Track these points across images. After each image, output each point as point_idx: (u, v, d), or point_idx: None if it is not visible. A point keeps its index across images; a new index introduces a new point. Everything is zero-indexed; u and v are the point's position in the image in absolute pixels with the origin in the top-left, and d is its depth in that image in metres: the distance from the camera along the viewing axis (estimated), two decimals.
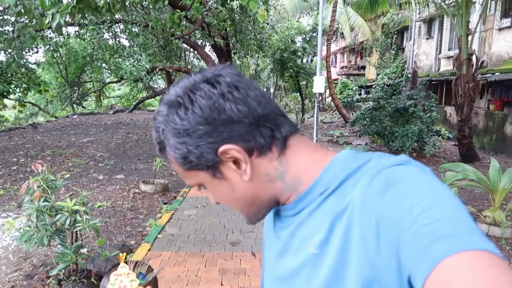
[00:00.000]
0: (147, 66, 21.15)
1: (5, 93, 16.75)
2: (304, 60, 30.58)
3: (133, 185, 6.94)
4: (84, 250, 3.70)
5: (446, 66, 15.60)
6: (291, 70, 19.00)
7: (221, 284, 3.40)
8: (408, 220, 0.46)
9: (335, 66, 32.59)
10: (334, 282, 0.55)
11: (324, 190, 0.60)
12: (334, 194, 0.59)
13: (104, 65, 25.66)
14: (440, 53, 16.60)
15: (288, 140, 0.64)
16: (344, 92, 22.36)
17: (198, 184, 0.66)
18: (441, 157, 9.97)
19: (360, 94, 22.62)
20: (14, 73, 15.09)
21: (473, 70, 8.67)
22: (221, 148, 0.59)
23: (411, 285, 0.45)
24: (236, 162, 0.61)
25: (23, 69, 15.24)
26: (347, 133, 14.27)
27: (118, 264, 0.92)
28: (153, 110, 32.43)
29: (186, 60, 20.54)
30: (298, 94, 22.09)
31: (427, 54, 17.90)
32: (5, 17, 8.98)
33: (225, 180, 0.63)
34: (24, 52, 12.11)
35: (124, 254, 0.93)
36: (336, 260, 0.55)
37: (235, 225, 4.94)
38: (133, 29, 16.41)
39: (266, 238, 0.79)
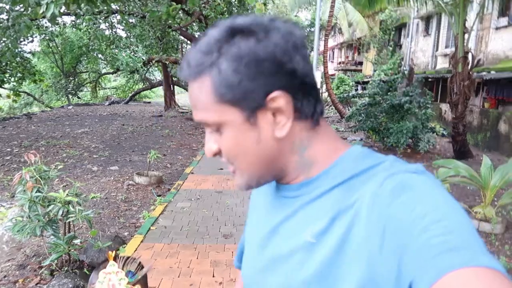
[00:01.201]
0: (144, 58, 21.05)
1: None
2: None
3: (127, 177, 6.94)
4: (77, 241, 3.72)
5: (443, 64, 15.64)
6: None
7: (213, 276, 3.43)
8: (418, 227, 0.46)
9: (332, 62, 32.56)
10: (325, 274, 0.55)
11: (332, 181, 0.60)
12: (340, 187, 0.58)
13: (100, 55, 25.53)
14: (437, 50, 16.63)
15: (320, 119, 0.63)
16: (340, 88, 22.36)
17: (216, 123, 0.59)
18: (435, 154, 10.03)
19: (356, 90, 22.64)
20: (8, 62, 14.96)
21: (469, 68, 8.70)
22: (274, 93, 0.56)
23: None
24: (274, 115, 0.58)
25: (18, 58, 15.13)
26: (343, 128, 14.32)
27: (106, 260, 0.91)
28: (149, 102, 32.36)
29: (183, 52, 20.45)
30: None
31: (424, 51, 17.92)
32: (0, 5, 8.89)
33: (255, 128, 0.58)
34: (19, 41, 12.00)
35: (114, 251, 0.93)
36: (331, 253, 0.54)
37: (228, 217, 4.97)
38: (130, 20, 16.30)
39: (253, 213, 0.78)
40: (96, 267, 0.93)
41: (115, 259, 0.91)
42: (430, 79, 16.00)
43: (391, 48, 21.43)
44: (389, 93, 10.33)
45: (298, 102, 0.58)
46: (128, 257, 0.93)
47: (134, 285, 0.90)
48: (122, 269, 0.91)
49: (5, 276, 3.43)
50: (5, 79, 16.63)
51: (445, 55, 15.03)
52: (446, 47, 15.65)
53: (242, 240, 0.89)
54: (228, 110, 0.58)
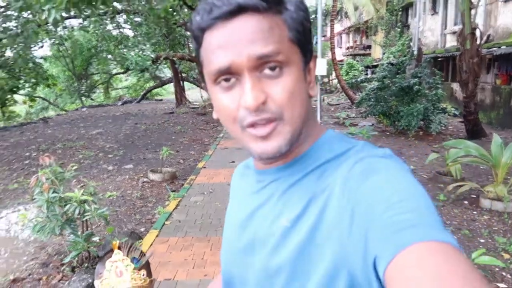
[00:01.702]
0: (152, 56, 21.17)
1: (14, 89, 17.00)
2: None
3: (141, 174, 7.10)
4: (95, 238, 3.87)
5: (452, 42, 15.34)
6: None
7: None
8: (382, 207, 0.48)
9: (340, 47, 32.22)
10: (300, 257, 0.57)
11: (307, 166, 0.61)
12: (314, 173, 0.60)
13: (109, 56, 25.78)
14: (445, 28, 16.32)
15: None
16: (350, 73, 22.17)
17: (283, 60, 0.55)
18: (447, 135, 9.93)
19: (366, 74, 22.41)
20: (21, 69, 15.30)
21: (477, 44, 8.55)
22: (314, 53, 0.63)
23: (376, 269, 0.47)
24: (308, 73, 0.62)
25: (30, 64, 15.43)
26: (354, 115, 14.24)
27: (110, 251, 0.96)
28: (161, 100, 32.62)
29: (190, 48, 20.52)
30: None
31: (432, 31, 17.61)
32: (8, 12, 9.11)
33: (304, 80, 0.60)
34: (29, 47, 12.25)
35: (117, 241, 0.97)
36: (305, 237, 0.56)
37: None
38: (136, 19, 16.43)
39: (234, 197, 0.80)
40: (101, 258, 0.98)
41: (119, 248, 0.96)
42: (440, 59, 15.74)
43: (398, 29, 21.11)
44: (397, 76, 10.24)
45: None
46: (131, 246, 1.00)
47: (139, 270, 0.95)
48: (127, 256, 0.95)
49: (29, 274, 3.62)
50: (19, 86, 17.03)
51: (454, 33, 14.73)
52: (455, 24, 15.35)
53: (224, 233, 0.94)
54: (296, 51, 0.58)
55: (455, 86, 13.83)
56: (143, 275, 0.95)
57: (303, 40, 0.58)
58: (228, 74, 0.55)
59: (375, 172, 0.53)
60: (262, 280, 0.63)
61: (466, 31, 8.42)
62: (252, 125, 0.56)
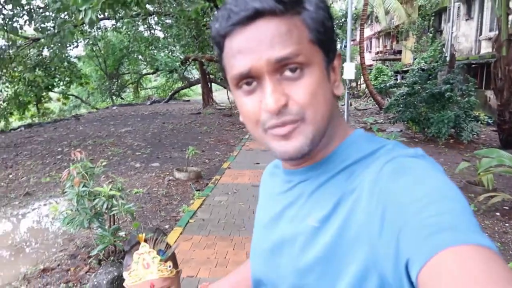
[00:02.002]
0: (181, 57, 21.52)
1: (49, 87, 17.69)
2: (338, 47, 30.01)
3: (167, 173, 7.23)
4: (121, 233, 3.96)
5: (487, 48, 14.84)
6: None
7: None
8: (415, 207, 0.47)
9: (370, 52, 31.74)
10: (328, 258, 0.56)
11: (335, 166, 0.61)
12: (343, 173, 0.59)
13: (140, 57, 26.40)
14: (480, 34, 15.80)
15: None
16: (379, 78, 21.80)
17: (303, 61, 0.55)
18: (479, 144, 9.61)
19: (396, 80, 22.00)
20: (57, 67, 15.90)
21: None
22: (338, 51, 0.61)
23: (408, 271, 0.45)
24: (333, 72, 0.61)
25: (65, 63, 16.02)
26: (382, 120, 14.00)
27: (136, 244, 0.99)
28: (188, 100, 33.10)
29: None
30: None
31: (466, 36, 17.09)
32: (46, 13, 9.51)
33: (328, 80, 0.60)
34: (65, 47, 12.73)
35: (143, 234, 1.00)
36: (334, 237, 0.56)
37: None
38: (167, 21, 16.78)
39: (262, 197, 0.80)
40: (128, 251, 1.01)
41: (145, 240, 0.98)
42: (473, 65, 15.26)
43: (431, 35, 20.61)
44: (429, 82, 10.00)
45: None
46: (156, 238, 1.00)
47: (166, 261, 0.98)
48: (153, 248, 0.97)
49: (58, 265, 3.74)
50: (54, 83, 17.70)
51: (490, 39, 14.25)
52: (491, 30, 14.83)
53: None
54: (317, 52, 0.57)
55: (489, 93, 13.37)
56: (169, 266, 0.99)
57: (324, 39, 0.58)
58: (249, 78, 0.56)
59: (407, 172, 0.52)
60: (291, 280, 0.63)
61: (503, 37, 8.13)
62: (274, 127, 0.57)
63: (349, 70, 7.98)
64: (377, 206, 0.51)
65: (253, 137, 0.63)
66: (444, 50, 18.22)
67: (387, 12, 22.05)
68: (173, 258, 1.02)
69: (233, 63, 0.57)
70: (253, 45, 0.54)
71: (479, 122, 9.91)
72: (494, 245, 0.44)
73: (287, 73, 0.55)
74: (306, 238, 0.60)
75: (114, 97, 30.31)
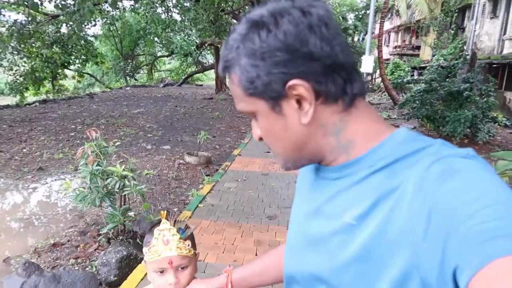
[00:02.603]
0: (197, 41, 21.45)
1: (65, 64, 17.81)
2: (356, 39, 29.60)
3: (178, 156, 7.25)
4: (131, 213, 4.00)
5: (511, 49, 14.48)
6: None
7: (255, 254, 3.55)
8: (466, 213, 0.44)
9: (387, 45, 31.23)
10: (367, 257, 0.55)
11: (375, 164, 0.58)
12: (384, 171, 0.57)
13: (156, 39, 26.40)
14: (504, 34, 15.39)
15: (356, 100, 0.61)
16: (395, 73, 21.46)
17: (250, 113, 0.63)
18: (495, 145, 9.43)
19: (412, 76, 21.64)
20: (74, 45, 15.97)
21: None
22: (291, 82, 0.56)
23: (455, 278, 0.44)
24: (299, 101, 0.58)
25: (82, 41, 16.09)
26: (395, 116, 13.82)
27: (158, 223, 1.02)
28: (201, 85, 33.11)
29: None
30: None
31: (489, 35, 16.66)
32: None
33: (281, 116, 0.60)
34: (83, 25, 12.76)
35: (165, 211, 1.02)
36: (373, 236, 0.54)
37: (273, 200, 5.07)
38: (185, 4, 16.67)
39: (299, 192, 0.78)
40: (150, 229, 1.04)
41: (166, 218, 1.01)
42: (494, 65, 14.91)
43: (452, 32, 20.16)
44: (447, 79, 9.79)
45: (322, 86, 0.57)
46: (176, 219, 1.02)
47: (185, 240, 1.00)
48: (173, 226, 1.00)
49: (68, 241, 3.79)
50: (70, 61, 17.80)
51: None
52: None
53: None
54: (256, 101, 0.60)
55: (509, 95, 13.09)
56: (188, 245, 1.01)
57: (255, 90, 0.59)
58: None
59: (457, 173, 0.49)
60: (326, 279, 0.61)
61: None
62: None
63: (367, 63, 7.86)
64: (423, 207, 0.48)
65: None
66: (465, 48, 17.82)
67: (408, 6, 21.58)
68: (192, 238, 1.04)
69: None
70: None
71: (496, 123, 9.71)
72: None
73: (254, 119, 0.65)
74: (342, 236, 0.59)
75: (128, 78, 30.46)
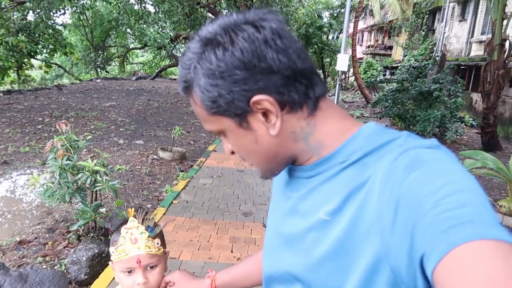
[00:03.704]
0: (171, 34, 21.05)
1: (32, 53, 17.02)
2: (330, 37, 29.93)
3: (151, 151, 7.10)
4: (103, 210, 3.87)
5: (477, 51, 15.03)
6: (316, 46, 18.67)
7: (231, 251, 3.52)
8: (431, 202, 0.45)
9: (361, 45, 31.79)
10: (340, 251, 0.56)
11: (345, 160, 0.59)
12: (354, 166, 0.58)
13: (128, 30, 25.72)
14: (472, 36, 15.96)
15: (319, 102, 0.61)
16: (368, 72, 21.86)
17: (218, 131, 0.63)
18: (462, 144, 9.79)
19: (385, 75, 22.12)
20: (41, 34, 15.30)
21: (505, 56, 8.35)
22: (255, 98, 0.56)
23: (423, 266, 0.45)
24: (265, 114, 0.58)
25: (50, 30, 15.42)
26: (368, 114, 14.09)
27: (125, 222, 0.97)
28: (175, 79, 32.60)
29: None
30: (320, 71, 21.70)
31: (458, 37, 17.24)
32: None
33: (250, 131, 0.60)
34: (51, 13, 12.24)
35: (133, 209, 0.98)
36: (345, 230, 0.55)
37: (248, 196, 5.05)
38: None
39: (275, 193, 0.79)
40: (116, 228, 0.99)
41: (134, 216, 0.97)
42: (462, 67, 15.45)
43: (423, 33, 20.73)
44: (418, 80, 10.07)
45: (285, 96, 0.57)
46: (146, 214, 0.98)
47: (154, 238, 0.96)
48: (141, 224, 0.96)
49: (35, 238, 3.63)
50: (37, 50, 17.05)
51: (481, 42, 14.42)
52: (483, 33, 15.00)
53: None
54: (221, 119, 0.60)
55: (475, 96, 13.59)
56: (157, 243, 0.97)
57: (219, 108, 0.58)
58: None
59: (422, 163, 0.50)
60: (303, 276, 0.62)
61: (496, 41, 8.21)
62: None
63: (342, 62, 7.95)
64: (390, 198, 0.50)
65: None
66: (434, 49, 18.38)
67: (382, 7, 22.01)
68: (161, 236, 1.00)
69: None
70: None
71: (463, 123, 10.06)
72: None
73: (223, 136, 0.65)
74: (317, 232, 0.60)
75: (98, 70, 29.55)
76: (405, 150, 0.53)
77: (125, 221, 0.97)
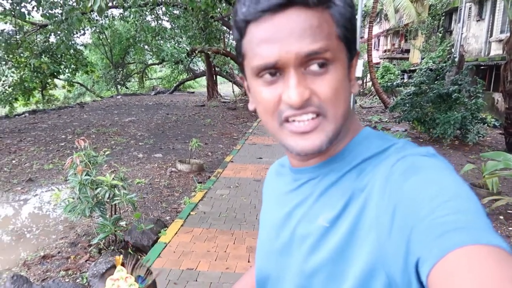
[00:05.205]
0: (188, 48, 21.43)
1: (55, 73, 17.64)
2: None
3: (170, 164, 7.21)
4: (122, 223, 3.96)
5: (497, 50, 14.69)
6: None
7: (248, 261, 3.53)
8: (427, 208, 0.46)
9: (377, 50, 31.54)
10: (338, 258, 0.55)
11: (346, 164, 0.60)
12: (353, 171, 0.58)
13: (146, 47, 26.32)
14: (491, 36, 15.62)
15: None
16: (385, 77, 21.63)
17: (329, 57, 0.54)
18: (485, 146, 9.53)
19: (402, 79, 21.84)
20: (63, 54, 15.86)
21: None
22: (358, 50, 0.60)
23: (418, 271, 0.45)
24: (349, 71, 0.59)
25: (72, 50, 15.96)
26: (386, 119, 13.91)
27: (112, 267, 0.86)
28: (193, 92, 33.07)
29: (225, 43, 20.65)
30: None
31: (476, 37, 16.91)
32: (54, 0, 9.45)
33: (348, 77, 0.58)
34: (72, 34, 12.69)
35: (121, 256, 0.85)
36: (345, 237, 0.55)
37: None
38: (174, 11, 16.69)
39: (268, 199, 0.78)
40: (101, 276, 0.86)
41: (122, 264, 0.85)
42: (482, 67, 15.11)
43: (440, 35, 20.42)
44: (436, 82, 9.91)
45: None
46: (135, 262, 0.86)
47: None
48: (131, 274, 0.84)
49: (59, 252, 3.74)
50: (60, 71, 17.65)
51: (500, 41, 14.10)
52: (502, 32, 14.68)
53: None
54: (342, 48, 0.56)
55: (497, 96, 13.26)
56: None
57: (349, 37, 0.56)
58: (273, 69, 0.54)
59: (419, 170, 0.51)
60: (299, 281, 0.61)
61: None
62: (289, 119, 0.55)
63: (357, 67, 7.91)
64: (388, 204, 0.50)
65: (266, 128, 0.61)
66: (453, 50, 18.06)
67: (396, 10, 21.82)
68: (153, 286, 0.87)
69: (257, 51, 0.54)
70: (282, 36, 0.52)
71: (486, 124, 9.82)
72: (507, 246, 0.43)
73: (314, 67, 0.54)
74: (316, 239, 0.59)
75: (119, 86, 30.30)
76: (402, 157, 0.54)
77: (113, 267, 0.85)
